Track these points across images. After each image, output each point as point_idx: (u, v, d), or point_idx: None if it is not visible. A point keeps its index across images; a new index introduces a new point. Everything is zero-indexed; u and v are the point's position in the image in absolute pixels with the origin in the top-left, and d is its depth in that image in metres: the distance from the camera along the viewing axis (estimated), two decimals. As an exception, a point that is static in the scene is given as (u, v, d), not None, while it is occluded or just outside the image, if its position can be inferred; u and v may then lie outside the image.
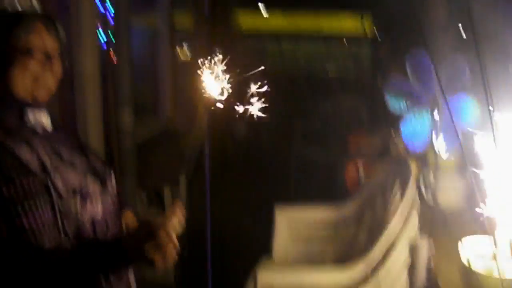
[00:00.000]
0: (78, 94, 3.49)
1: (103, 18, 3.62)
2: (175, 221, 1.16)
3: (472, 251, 1.51)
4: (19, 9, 1.38)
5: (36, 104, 1.35)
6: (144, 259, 1.11)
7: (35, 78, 1.33)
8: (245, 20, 6.00)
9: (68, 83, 3.50)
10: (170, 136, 4.75)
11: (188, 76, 5.66)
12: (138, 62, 4.78)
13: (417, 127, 1.94)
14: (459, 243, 1.53)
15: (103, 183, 1.38)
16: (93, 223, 1.31)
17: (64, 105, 3.53)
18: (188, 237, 4.07)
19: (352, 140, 3.44)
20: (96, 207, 1.32)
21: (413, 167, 2.44)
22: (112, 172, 1.48)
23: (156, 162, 4.17)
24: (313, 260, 2.66)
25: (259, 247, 2.87)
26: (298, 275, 2.08)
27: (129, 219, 1.57)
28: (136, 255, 1.14)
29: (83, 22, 3.43)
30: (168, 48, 4.86)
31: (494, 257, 1.44)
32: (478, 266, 1.43)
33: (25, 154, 1.25)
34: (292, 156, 5.25)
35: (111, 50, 3.62)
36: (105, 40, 3.68)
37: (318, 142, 5.09)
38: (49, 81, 1.36)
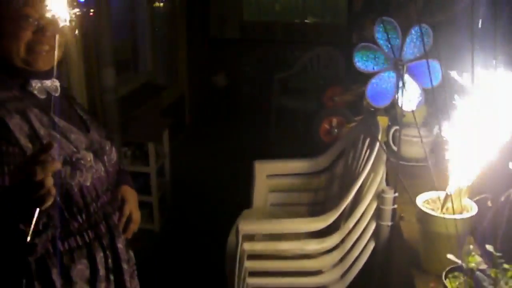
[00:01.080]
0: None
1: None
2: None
3: (425, 197, 1.72)
4: None
5: (40, 74, 1.45)
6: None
7: (30, 47, 1.39)
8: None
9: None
10: (151, 91, 4.83)
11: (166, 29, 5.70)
12: (116, 18, 4.80)
13: (382, 86, 2.08)
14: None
15: (96, 154, 1.51)
16: (81, 189, 1.44)
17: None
18: (172, 189, 4.26)
19: (328, 92, 3.57)
20: (85, 176, 1.45)
21: (383, 122, 2.60)
22: (111, 144, 1.61)
23: (138, 118, 4.27)
24: (289, 208, 2.87)
25: (240, 198, 3.06)
26: (275, 225, 2.27)
27: (127, 192, 1.73)
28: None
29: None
30: (146, 2, 4.87)
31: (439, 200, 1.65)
32: (427, 210, 1.64)
33: (16, 123, 1.35)
34: (271, 107, 5.38)
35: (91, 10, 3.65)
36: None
37: (296, 92, 5.20)
38: (49, 51, 1.42)
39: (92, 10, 3.58)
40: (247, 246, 2.25)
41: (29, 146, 1.35)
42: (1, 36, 1.38)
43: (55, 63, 1.47)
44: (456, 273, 1.45)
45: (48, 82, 1.48)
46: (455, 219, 1.57)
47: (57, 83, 1.51)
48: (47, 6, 1.35)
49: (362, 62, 2.08)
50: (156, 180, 4.04)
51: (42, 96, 1.46)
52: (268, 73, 5.51)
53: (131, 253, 1.73)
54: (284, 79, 5.39)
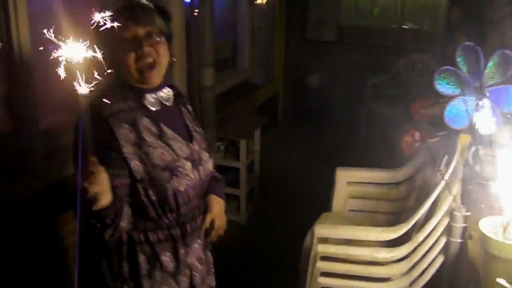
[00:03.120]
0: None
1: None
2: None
3: (492, 219, 1.77)
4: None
5: (154, 89, 1.68)
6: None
7: (136, 64, 1.60)
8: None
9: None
10: (247, 89, 5.07)
11: (265, 30, 5.92)
12: (218, 18, 5.09)
13: (460, 109, 2.15)
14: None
15: (194, 163, 1.72)
16: (175, 192, 1.66)
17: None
18: (260, 185, 4.49)
19: (417, 104, 3.61)
20: (181, 182, 1.66)
21: (466, 140, 2.65)
22: (209, 156, 1.81)
23: (232, 115, 4.53)
24: (366, 215, 2.99)
25: (322, 199, 3.21)
26: (348, 231, 2.42)
27: (212, 201, 1.90)
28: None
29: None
30: (247, 3, 5.09)
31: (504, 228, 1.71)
32: (490, 234, 1.70)
33: (123, 132, 1.57)
34: (362, 111, 5.45)
35: (195, 10, 3.92)
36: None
37: (388, 99, 5.22)
38: (153, 63, 1.63)
39: (196, 11, 3.85)
40: (321, 248, 2.42)
41: (133, 151, 1.58)
42: (116, 64, 1.60)
43: (162, 73, 1.68)
44: (508, 297, 1.54)
45: (161, 93, 1.71)
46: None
47: (171, 92, 1.75)
48: (136, 23, 1.60)
49: (442, 85, 2.17)
50: (246, 175, 4.29)
51: (155, 108, 1.68)
52: (361, 78, 5.56)
53: (209, 254, 1.93)
54: (377, 84, 5.42)
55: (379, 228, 2.37)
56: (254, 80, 5.31)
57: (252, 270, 3.58)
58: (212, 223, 1.87)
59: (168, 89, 1.76)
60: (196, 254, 1.81)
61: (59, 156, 2.73)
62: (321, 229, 2.37)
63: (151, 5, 1.68)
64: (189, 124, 1.81)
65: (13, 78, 2.46)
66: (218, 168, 4.26)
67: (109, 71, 1.58)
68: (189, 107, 1.89)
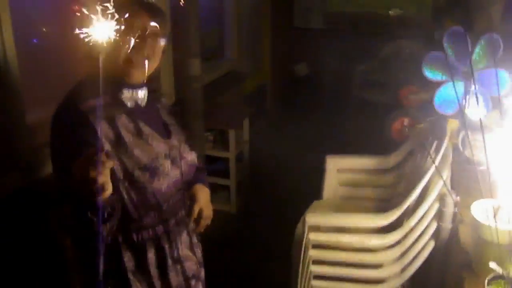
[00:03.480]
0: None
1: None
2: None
3: (483, 204, 1.77)
4: None
5: (133, 84, 1.61)
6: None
7: (129, 55, 1.53)
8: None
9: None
10: (235, 79, 5.05)
11: (252, 18, 5.89)
12: (204, 5, 5.04)
13: (449, 94, 2.15)
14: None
15: (174, 161, 1.68)
16: (158, 192, 1.62)
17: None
18: (250, 174, 4.48)
19: (404, 90, 3.62)
20: (162, 182, 1.62)
21: (454, 124, 2.65)
22: (189, 148, 1.79)
23: (221, 105, 4.51)
24: (357, 202, 3.00)
25: (313, 188, 3.20)
26: (339, 219, 2.42)
27: (198, 190, 1.89)
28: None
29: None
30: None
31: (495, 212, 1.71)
32: (481, 219, 1.70)
33: (102, 128, 1.52)
34: (350, 99, 5.44)
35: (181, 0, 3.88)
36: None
37: (377, 86, 5.22)
38: (146, 61, 1.56)
39: (181, 1, 3.81)
40: (312, 236, 2.41)
41: (112, 150, 1.53)
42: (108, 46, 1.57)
43: (148, 73, 1.62)
44: (499, 281, 1.54)
45: (138, 92, 1.64)
46: (508, 230, 1.64)
47: (145, 91, 1.67)
48: (147, 14, 1.56)
49: (430, 72, 2.16)
50: (235, 165, 4.27)
51: (131, 104, 1.63)
52: (350, 65, 5.55)
53: (198, 245, 1.91)
54: (366, 71, 5.42)
55: (370, 215, 2.38)
56: (241, 69, 5.29)
57: (244, 260, 3.58)
58: (199, 213, 1.87)
59: (145, 88, 1.68)
60: (184, 247, 1.80)
61: (46, 151, 2.71)
62: (312, 218, 2.36)
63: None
64: (165, 119, 1.79)
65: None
66: (207, 158, 4.25)
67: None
68: (163, 100, 1.85)
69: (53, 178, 1.58)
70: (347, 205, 2.96)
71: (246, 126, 4.48)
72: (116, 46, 1.51)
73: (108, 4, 1.51)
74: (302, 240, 2.39)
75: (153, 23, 1.57)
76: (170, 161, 1.67)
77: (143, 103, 1.67)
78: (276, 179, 4.64)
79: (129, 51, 1.53)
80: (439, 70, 2.14)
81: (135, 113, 1.63)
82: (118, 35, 1.48)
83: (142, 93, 1.66)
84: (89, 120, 1.50)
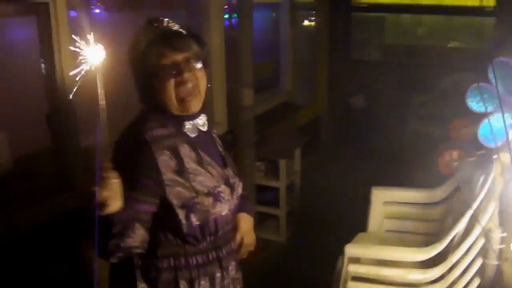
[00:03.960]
0: (206, 72, 3.96)
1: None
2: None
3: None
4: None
5: (192, 116, 1.67)
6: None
7: (177, 93, 1.59)
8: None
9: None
10: (288, 110, 5.09)
11: (308, 50, 5.95)
12: (260, 37, 5.16)
13: (495, 126, 2.09)
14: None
15: (232, 189, 1.74)
16: (218, 217, 1.68)
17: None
18: (301, 204, 4.47)
19: (456, 122, 3.53)
20: (223, 207, 1.69)
21: (505, 159, 2.56)
22: (240, 181, 1.84)
23: (273, 135, 4.55)
24: (403, 235, 2.93)
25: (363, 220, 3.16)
26: (379, 251, 2.37)
27: (241, 219, 1.94)
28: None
29: (211, 3, 3.86)
30: (289, 24, 5.14)
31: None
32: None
33: (164, 159, 1.58)
34: (406, 131, 5.35)
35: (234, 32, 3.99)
36: (230, 20, 4.06)
37: (434, 118, 5.11)
38: (193, 89, 1.61)
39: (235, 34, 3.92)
40: (352, 268, 2.38)
41: (174, 178, 1.59)
42: (155, 92, 1.62)
43: (203, 99, 1.67)
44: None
45: (198, 120, 1.70)
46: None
47: (205, 118, 1.73)
48: (174, 50, 1.60)
49: (475, 103, 2.11)
50: (286, 194, 4.28)
51: (194, 135, 1.69)
52: (406, 97, 5.48)
53: (240, 274, 1.92)
54: (422, 104, 5.33)
55: (411, 249, 2.32)
56: (296, 100, 5.32)
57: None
58: (241, 240, 1.91)
59: (204, 115, 1.75)
60: (231, 275, 1.83)
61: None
62: (351, 249, 2.34)
63: (184, 31, 1.67)
64: (221, 150, 1.85)
65: (54, 97, 2.57)
66: (258, 187, 4.28)
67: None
68: (215, 131, 1.92)
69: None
70: (392, 238, 2.90)
71: (297, 157, 4.49)
72: (162, 89, 1.60)
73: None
74: (341, 272, 2.36)
75: (183, 55, 1.61)
76: (229, 188, 1.73)
77: (204, 128, 1.73)
78: (326, 210, 4.60)
79: (174, 90, 1.60)
80: (483, 101, 2.09)
81: (196, 143, 1.69)
82: (158, 80, 1.59)
83: (202, 121, 1.72)
84: (151, 149, 1.57)
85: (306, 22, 5.74)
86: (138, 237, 1.56)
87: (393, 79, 5.78)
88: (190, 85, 1.61)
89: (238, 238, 1.89)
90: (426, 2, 5.79)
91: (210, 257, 1.74)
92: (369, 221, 2.97)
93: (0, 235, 2.31)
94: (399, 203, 2.98)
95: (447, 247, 2.38)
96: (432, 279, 2.29)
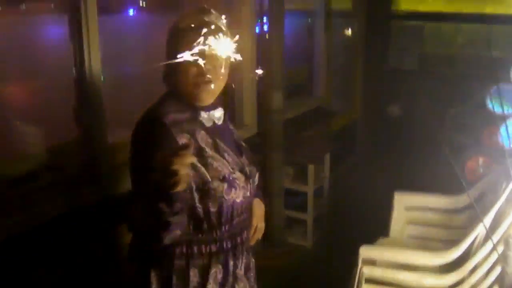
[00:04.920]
0: (237, 75, 4.03)
1: (260, 5, 4.03)
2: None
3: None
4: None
5: (208, 107, 1.73)
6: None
7: (195, 81, 1.65)
8: (405, 2, 6.00)
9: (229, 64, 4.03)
10: (321, 115, 5.08)
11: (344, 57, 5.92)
12: (295, 43, 5.18)
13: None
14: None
15: (247, 176, 1.76)
16: (233, 204, 1.71)
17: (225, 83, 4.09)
18: (329, 212, 4.44)
19: (487, 129, 3.44)
20: (238, 194, 1.71)
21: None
22: (256, 171, 1.87)
23: (303, 140, 4.55)
24: (425, 242, 2.87)
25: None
26: (394, 254, 2.34)
27: (255, 205, 1.97)
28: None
29: (242, 8, 3.91)
30: (324, 30, 5.14)
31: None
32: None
33: (184, 141, 1.61)
34: (443, 141, 5.24)
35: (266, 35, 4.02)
36: (261, 25, 4.10)
37: (471, 129, 5.00)
38: (211, 82, 1.66)
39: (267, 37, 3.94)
40: (366, 270, 2.36)
41: (195, 162, 1.57)
42: (176, 74, 1.68)
43: (216, 94, 1.72)
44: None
45: (214, 112, 1.76)
46: None
47: (221, 112, 1.79)
48: (213, 43, 1.61)
49: (496, 105, 2.07)
50: (314, 199, 4.26)
51: (209, 125, 1.74)
52: (444, 107, 5.38)
53: (253, 261, 1.94)
54: (460, 113, 5.22)
55: (427, 252, 2.28)
56: (330, 107, 5.30)
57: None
58: (256, 227, 1.97)
59: (221, 109, 1.80)
60: (245, 265, 1.85)
61: (125, 170, 2.90)
62: (366, 250, 2.31)
63: (224, 28, 1.71)
64: (237, 141, 1.88)
65: (84, 92, 2.66)
66: (286, 191, 4.28)
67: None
68: (231, 124, 1.94)
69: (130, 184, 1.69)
70: (413, 244, 2.85)
71: (327, 162, 4.47)
72: (183, 72, 1.66)
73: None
74: (355, 273, 2.34)
75: (215, 49, 1.62)
76: (244, 176, 1.75)
77: (220, 122, 1.79)
78: (355, 216, 4.55)
79: (193, 78, 1.66)
80: (501, 103, 2.05)
81: (212, 131, 1.73)
82: (182, 62, 1.60)
83: (218, 114, 1.78)
84: (171, 131, 1.62)
85: (342, 29, 5.72)
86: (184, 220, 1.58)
87: (430, 89, 5.69)
88: (209, 77, 1.66)
89: (254, 223, 1.94)
90: (467, 10, 5.67)
91: (224, 245, 1.75)
92: (391, 226, 2.93)
93: (27, 223, 2.39)
94: (422, 208, 2.92)
95: (467, 253, 2.32)
96: (448, 285, 2.24)
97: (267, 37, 3.96)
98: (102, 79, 2.69)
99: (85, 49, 2.62)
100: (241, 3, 3.92)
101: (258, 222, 2.00)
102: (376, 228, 3.84)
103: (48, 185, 2.68)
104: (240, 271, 1.83)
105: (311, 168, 4.18)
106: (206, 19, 1.67)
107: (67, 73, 2.72)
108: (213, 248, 1.73)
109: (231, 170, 1.70)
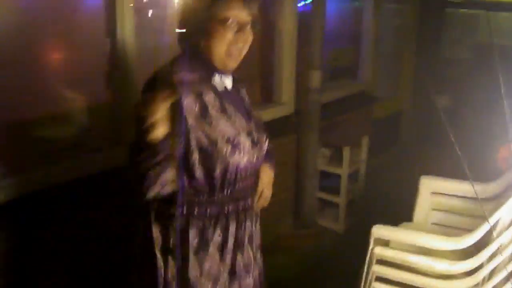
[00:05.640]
0: (277, 53, 4.01)
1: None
2: None
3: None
4: None
5: (224, 71, 1.73)
6: None
7: (228, 47, 1.66)
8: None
9: (270, 42, 4.02)
10: (364, 100, 4.98)
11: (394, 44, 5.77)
12: (344, 27, 5.08)
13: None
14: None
15: (253, 142, 1.75)
16: (237, 167, 1.70)
17: (265, 61, 4.08)
18: (365, 195, 4.34)
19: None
20: (242, 157, 1.70)
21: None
22: (265, 137, 1.87)
23: (343, 122, 4.48)
24: (449, 230, 2.77)
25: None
26: (405, 235, 2.27)
27: (263, 171, 1.95)
28: None
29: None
30: (372, 14, 5.03)
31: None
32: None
33: (188, 102, 1.61)
34: (493, 133, 5.04)
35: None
36: (304, 5, 4.06)
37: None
38: (241, 50, 1.69)
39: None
40: (377, 250, 2.30)
41: (196, 122, 1.62)
42: (208, 36, 1.66)
43: (239, 62, 1.73)
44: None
45: (227, 78, 1.76)
46: None
47: (230, 78, 1.79)
48: (243, 8, 1.65)
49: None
50: (348, 183, 4.20)
51: (221, 89, 1.74)
52: (496, 99, 5.14)
53: (259, 232, 1.94)
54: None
55: (440, 237, 2.19)
56: (375, 93, 5.19)
57: (337, 279, 3.47)
58: (261, 193, 1.94)
59: (231, 76, 1.80)
60: (248, 232, 1.84)
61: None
62: (378, 230, 2.26)
63: None
64: (247, 106, 1.87)
65: (116, 56, 2.72)
66: (322, 173, 4.24)
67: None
68: (243, 91, 1.92)
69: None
70: (436, 231, 2.75)
71: (364, 145, 4.39)
72: (217, 39, 1.65)
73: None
74: (367, 253, 2.29)
75: (248, 16, 1.66)
76: (250, 140, 1.74)
77: (229, 87, 1.78)
78: (389, 203, 4.45)
79: (227, 45, 1.66)
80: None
81: (221, 94, 1.73)
82: (219, 29, 1.63)
83: (229, 80, 1.78)
84: (176, 89, 1.59)
85: (394, 15, 5.56)
86: (173, 173, 1.59)
87: (483, 80, 5.44)
88: (241, 45, 1.67)
89: (260, 188, 1.91)
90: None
91: (226, 209, 1.74)
92: (415, 211, 2.84)
93: (51, 182, 2.47)
94: (448, 195, 2.81)
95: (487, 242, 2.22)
96: (461, 271, 2.15)
97: (308, 16, 3.90)
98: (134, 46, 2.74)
99: (117, 11, 2.67)
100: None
101: (264, 188, 1.96)
102: (409, 217, 3.75)
103: (76, 144, 2.76)
104: (244, 238, 1.82)
105: (346, 150, 4.11)
106: None
107: (100, 37, 2.77)
108: (214, 210, 1.72)
109: (236, 133, 1.69)
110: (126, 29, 2.70)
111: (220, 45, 1.65)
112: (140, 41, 2.82)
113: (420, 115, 5.98)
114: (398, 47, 5.76)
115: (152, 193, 1.60)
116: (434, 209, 2.83)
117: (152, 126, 1.43)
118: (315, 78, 3.92)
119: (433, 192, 2.82)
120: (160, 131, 1.47)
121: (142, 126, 1.43)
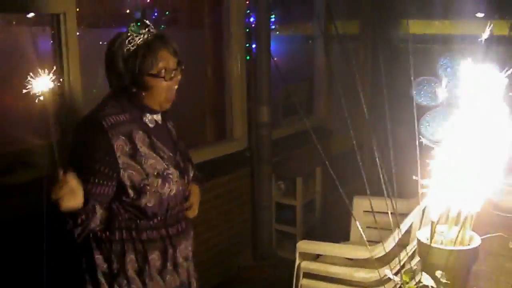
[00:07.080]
0: (228, 92, 4.21)
1: (248, 27, 4.22)
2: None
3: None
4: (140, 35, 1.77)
5: (154, 109, 1.87)
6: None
7: (166, 95, 1.82)
8: (413, 26, 6.00)
9: (221, 82, 4.23)
10: (319, 135, 5.13)
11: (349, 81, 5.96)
12: (297, 65, 5.30)
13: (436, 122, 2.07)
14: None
15: (181, 172, 1.92)
16: (167, 197, 1.86)
17: (217, 100, 4.28)
18: (321, 227, 4.36)
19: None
20: (172, 187, 1.87)
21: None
22: (191, 167, 2.04)
23: (296, 156, 4.63)
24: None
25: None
26: (326, 247, 2.40)
27: (193, 188, 2.09)
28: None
29: (232, 32, 4.12)
30: (323, 53, 5.26)
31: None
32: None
33: (119, 144, 1.76)
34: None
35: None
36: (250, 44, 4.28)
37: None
38: (174, 91, 1.85)
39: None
40: (303, 264, 2.42)
41: (128, 161, 1.77)
42: (143, 89, 1.80)
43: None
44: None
45: (155, 116, 1.91)
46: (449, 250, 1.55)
47: (159, 116, 1.93)
48: (170, 56, 1.80)
49: (419, 96, 2.11)
50: (304, 215, 4.32)
51: (152, 125, 1.89)
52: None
53: (191, 252, 2.05)
54: None
55: (354, 247, 2.33)
56: (329, 127, 5.32)
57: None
58: (189, 207, 2.06)
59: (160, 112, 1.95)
60: (183, 253, 1.98)
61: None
62: (303, 244, 2.39)
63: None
64: (174, 139, 2.02)
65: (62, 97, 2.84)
66: (277, 205, 4.36)
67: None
68: (171, 122, 2.07)
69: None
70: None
71: (318, 176, 4.52)
72: (155, 89, 1.80)
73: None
74: (294, 268, 2.41)
75: (175, 60, 1.82)
76: (178, 172, 1.90)
77: (160, 121, 1.94)
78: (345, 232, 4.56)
79: (165, 92, 1.82)
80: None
81: (150, 131, 1.88)
82: (154, 80, 1.78)
83: (159, 116, 1.93)
84: (108, 135, 1.75)
85: (347, 52, 5.79)
86: (99, 217, 1.77)
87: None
88: (175, 87, 1.85)
89: (193, 199, 2.05)
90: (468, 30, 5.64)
91: (160, 234, 1.89)
92: (351, 230, 2.97)
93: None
94: (378, 212, 2.93)
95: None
96: (377, 279, 2.27)
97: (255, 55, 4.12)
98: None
99: (64, 61, 2.81)
100: (231, 24, 4.12)
101: (193, 204, 2.08)
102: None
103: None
104: (179, 259, 1.96)
105: (299, 181, 4.25)
106: (152, 30, 1.82)
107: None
108: (150, 235, 1.87)
109: (165, 166, 1.85)
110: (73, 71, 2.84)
111: (158, 95, 1.81)
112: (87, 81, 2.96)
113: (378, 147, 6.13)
114: (354, 83, 5.94)
115: (82, 237, 1.76)
116: (368, 227, 2.95)
117: (57, 201, 1.58)
118: (264, 113, 4.11)
119: (365, 210, 2.96)
120: (71, 203, 1.61)
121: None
